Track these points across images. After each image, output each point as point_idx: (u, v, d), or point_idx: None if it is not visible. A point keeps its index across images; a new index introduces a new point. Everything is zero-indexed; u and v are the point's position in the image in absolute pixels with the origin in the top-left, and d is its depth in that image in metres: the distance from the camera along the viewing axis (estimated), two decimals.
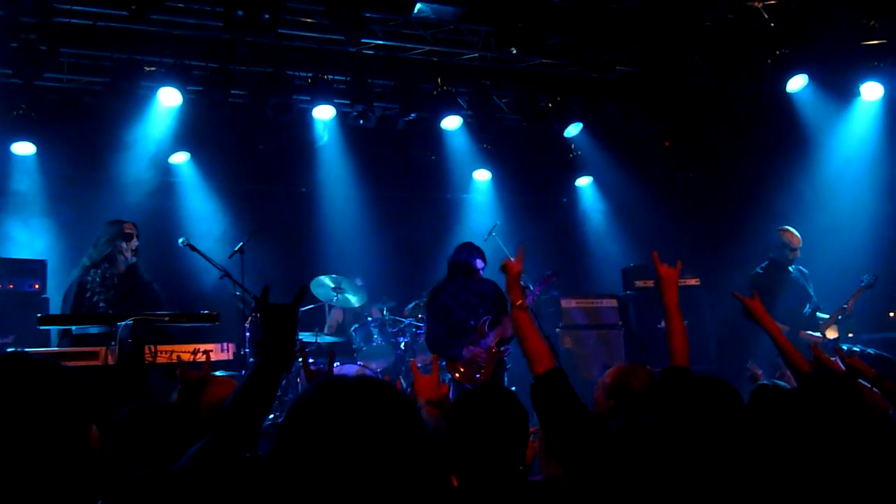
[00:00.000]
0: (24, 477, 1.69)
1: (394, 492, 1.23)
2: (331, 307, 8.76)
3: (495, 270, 6.46)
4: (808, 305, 7.49)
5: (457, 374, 6.59)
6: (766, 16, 7.78)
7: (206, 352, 5.03)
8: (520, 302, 3.09)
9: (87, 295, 6.00)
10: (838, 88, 8.25)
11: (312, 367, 3.10)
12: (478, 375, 6.57)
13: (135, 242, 6.27)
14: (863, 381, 3.44)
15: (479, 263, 6.77)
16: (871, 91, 8.16)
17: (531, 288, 7.07)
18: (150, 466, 1.38)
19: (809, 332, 7.10)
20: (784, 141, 8.90)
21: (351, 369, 7.59)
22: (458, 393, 6.38)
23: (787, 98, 8.37)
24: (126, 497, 1.26)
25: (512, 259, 3.36)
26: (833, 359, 3.92)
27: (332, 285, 8.11)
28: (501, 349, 6.73)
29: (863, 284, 7.27)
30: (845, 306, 7.27)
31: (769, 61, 8.12)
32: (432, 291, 6.87)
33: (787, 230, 7.52)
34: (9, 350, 5.59)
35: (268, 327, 2.14)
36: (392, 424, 1.27)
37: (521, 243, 5.91)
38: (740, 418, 2.33)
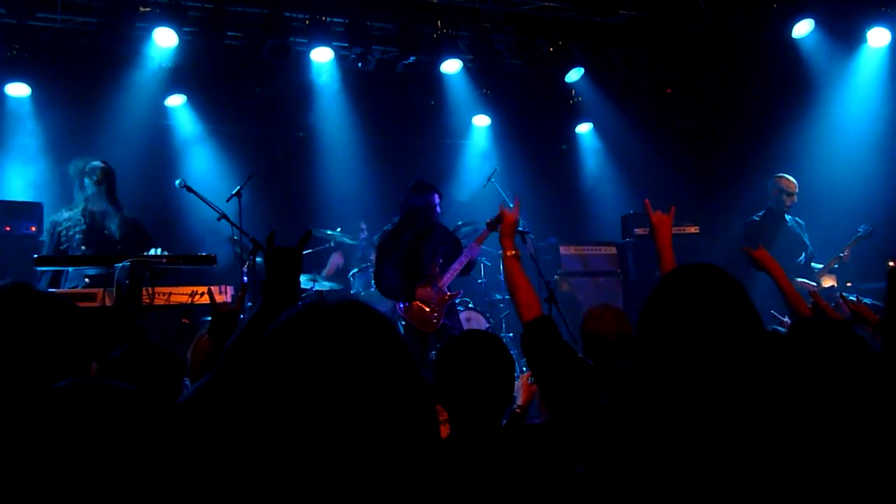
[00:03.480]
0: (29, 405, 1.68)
1: (379, 410, 1.22)
2: (332, 251, 8.75)
3: (490, 216, 6.43)
4: (803, 254, 7.52)
5: (410, 318, 6.49)
6: None
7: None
8: (512, 252, 3.14)
9: (62, 232, 6.08)
10: (845, 34, 8.12)
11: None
12: (433, 320, 6.47)
13: (95, 187, 6.27)
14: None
15: (436, 198, 6.62)
16: (878, 37, 8.02)
17: (528, 233, 7.05)
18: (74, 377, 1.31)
19: (804, 280, 7.11)
20: (788, 88, 8.79)
21: None
22: (411, 339, 6.32)
23: (792, 44, 8.24)
24: (38, 406, 1.18)
25: (508, 209, 3.40)
26: (832, 305, 3.93)
27: (329, 231, 8.12)
28: (452, 293, 6.68)
29: (859, 234, 7.29)
30: (842, 255, 7.29)
31: (775, 5, 7.98)
32: (387, 233, 6.69)
33: (782, 176, 7.53)
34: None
35: (272, 269, 2.18)
36: (377, 346, 1.26)
37: (517, 194, 5.90)
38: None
